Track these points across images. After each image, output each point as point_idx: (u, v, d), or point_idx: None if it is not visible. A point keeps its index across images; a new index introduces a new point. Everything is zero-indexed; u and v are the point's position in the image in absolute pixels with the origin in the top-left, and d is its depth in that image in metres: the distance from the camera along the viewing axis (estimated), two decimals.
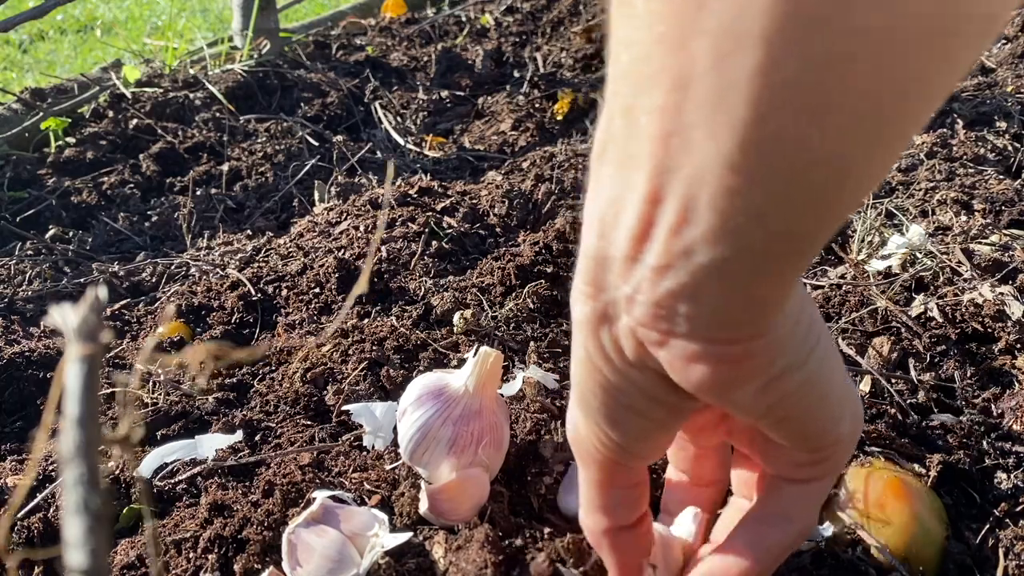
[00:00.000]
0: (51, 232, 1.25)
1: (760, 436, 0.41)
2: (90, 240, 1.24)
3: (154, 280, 1.10)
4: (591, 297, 0.34)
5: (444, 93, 1.74)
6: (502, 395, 0.69)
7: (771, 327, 0.33)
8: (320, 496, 0.57)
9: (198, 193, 1.35)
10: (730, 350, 0.33)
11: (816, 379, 0.36)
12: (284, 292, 0.97)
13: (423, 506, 0.57)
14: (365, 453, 0.66)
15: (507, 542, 0.53)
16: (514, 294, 0.87)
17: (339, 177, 1.34)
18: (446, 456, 0.57)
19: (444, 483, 0.56)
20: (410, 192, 1.14)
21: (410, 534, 0.55)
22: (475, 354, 0.59)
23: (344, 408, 0.70)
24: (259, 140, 1.49)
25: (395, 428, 0.68)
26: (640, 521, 0.44)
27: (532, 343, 0.79)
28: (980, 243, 0.91)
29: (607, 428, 0.39)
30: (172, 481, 0.67)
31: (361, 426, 0.68)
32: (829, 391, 0.37)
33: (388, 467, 0.63)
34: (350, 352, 0.81)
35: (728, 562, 0.43)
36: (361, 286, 0.30)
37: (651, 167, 0.29)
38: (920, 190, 1.06)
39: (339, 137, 1.50)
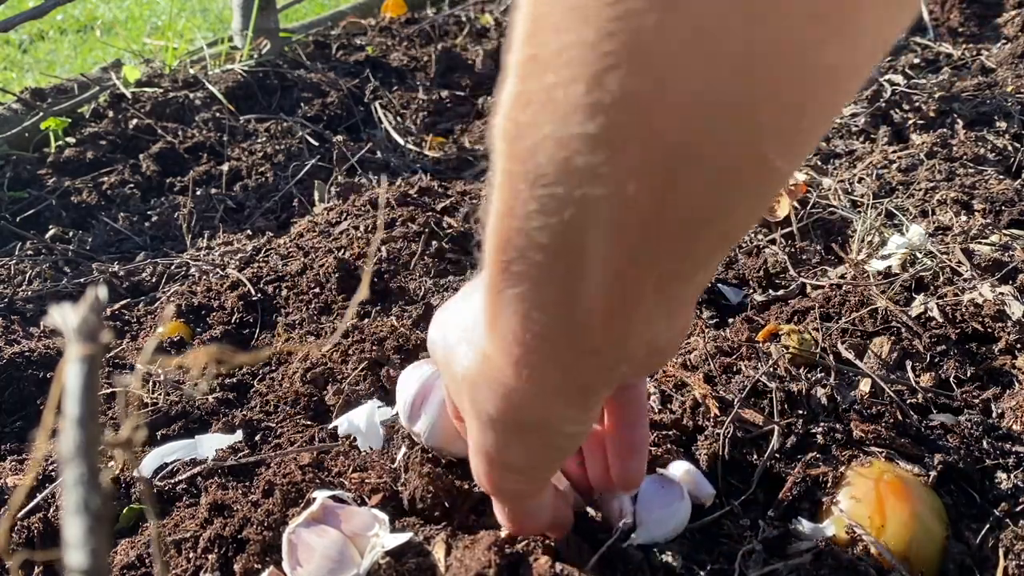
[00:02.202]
0: (51, 232, 1.25)
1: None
2: (90, 240, 1.24)
3: (154, 280, 1.10)
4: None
5: (444, 93, 1.74)
6: None
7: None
8: (320, 496, 0.57)
9: (198, 193, 1.35)
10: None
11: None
12: (284, 292, 0.97)
13: (424, 436, 0.59)
14: (365, 453, 0.66)
15: (510, 543, 0.53)
16: None
17: (339, 177, 1.34)
18: (442, 400, 0.59)
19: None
20: (410, 192, 1.14)
21: (410, 534, 0.55)
22: None
23: (331, 427, 0.70)
24: (259, 140, 1.49)
25: (386, 424, 0.69)
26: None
27: None
28: (980, 243, 0.91)
29: (554, 464, 0.45)
30: (172, 481, 0.67)
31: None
32: None
33: (390, 465, 0.63)
34: (350, 352, 0.81)
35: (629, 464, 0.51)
36: (362, 293, 0.31)
37: None
38: (920, 190, 1.06)
39: (339, 137, 1.50)
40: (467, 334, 0.41)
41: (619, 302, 0.33)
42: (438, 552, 0.54)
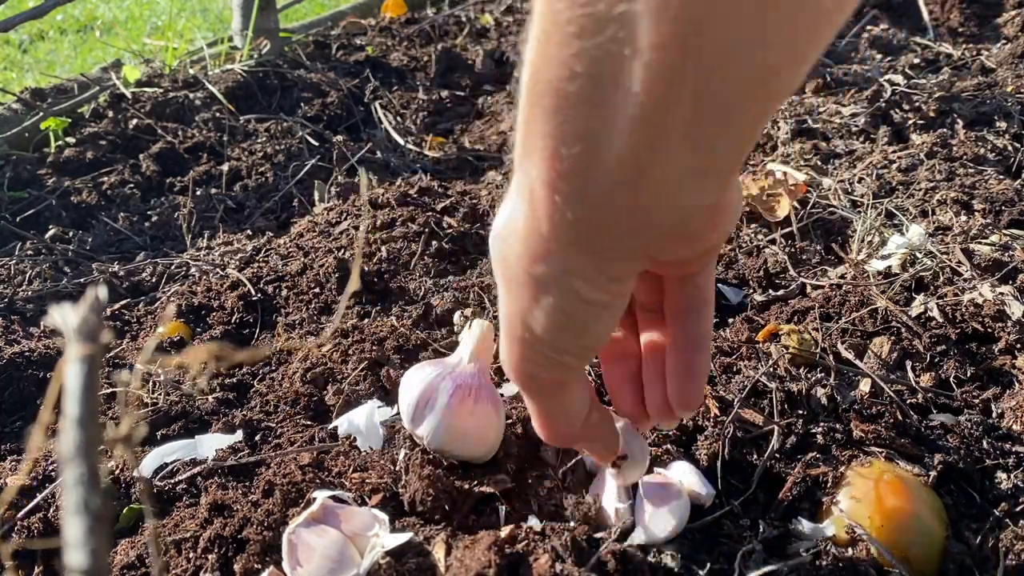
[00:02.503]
0: (51, 232, 1.25)
1: (676, 264, 0.44)
2: (90, 240, 1.24)
3: (154, 280, 1.10)
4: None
5: (444, 93, 1.74)
6: (502, 395, 0.69)
7: None
8: (320, 496, 0.57)
9: (198, 193, 1.35)
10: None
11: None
12: (284, 292, 0.97)
13: (427, 439, 0.60)
14: (365, 453, 0.66)
15: (510, 543, 0.53)
16: None
17: (339, 177, 1.34)
18: (447, 404, 0.59)
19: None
20: (410, 192, 1.14)
21: (410, 535, 0.55)
22: (469, 326, 0.63)
23: (332, 427, 0.70)
24: (259, 140, 1.49)
25: (386, 424, 0.69)
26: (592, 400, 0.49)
27: None
28: (980, 243, 0.91)
29: (577, 340, 0.41)
30: (172, 481, 0.67)
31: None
32: None
33: (391, 465, 0.63)
34: (350, 352, 0.81)
35: (695, 359, 0.47)
36: (353, 283, 0.30)
37: None
38: (920, 190, 1.06)
39: (339, 137, 1.50)
40: (510, 192, 0.39)
41: (646, 143, 0.31)
42: (438, 552, 0.54)
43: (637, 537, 0.55)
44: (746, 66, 0.30)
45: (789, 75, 0.31)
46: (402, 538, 0.54)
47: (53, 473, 0.69)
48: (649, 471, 0.60)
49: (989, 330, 0.78)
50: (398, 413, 0.65)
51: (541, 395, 0.45)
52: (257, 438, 0.72)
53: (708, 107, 0.30)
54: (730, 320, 0.84)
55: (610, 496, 0.57)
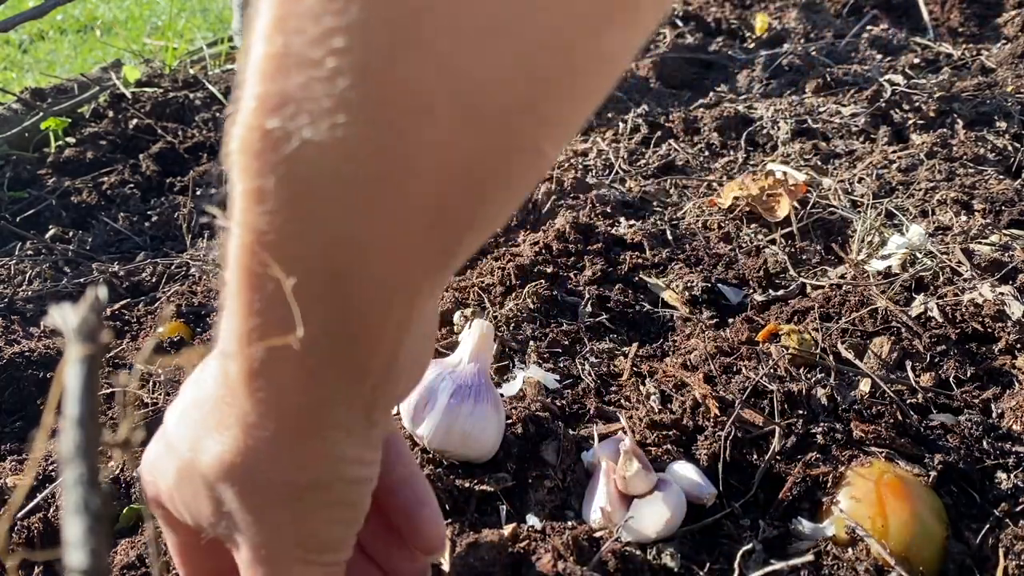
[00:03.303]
0: (51, 232, 1.25)
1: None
2: (90, 240, 1.24)
3: (154, 280, 1.10)
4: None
5: None
6: (502, 395, 0.69)
7: None
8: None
9: (198, 193, 1.35)
10: None
11: None
12: None
13: (428, 439, 0.60)
14: None
15: (512, 543, 0.53)
16: (514, 294, 0.87)
17: None
18: (447, 404, 0.59)
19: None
20: None
21: None
22: (469, 326, 0.64)
23: None
24: None
25: None
26: None
27: (532, 343, 0.79)
28: (980, 243, 0.91)
29: (352, 528, 0.38)
30: None
31: None
32: None
33: None
34: None
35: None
36: (299, 332, 0.30)
37: None
38: (920, 190, 1.06)
39: None
40: (206, 428, 0.34)
41: (402, 309, 0.30)
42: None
43: (629, 534, 0.55)
44: (479, 232, 0.31)
45: (509, 212, 0.33)
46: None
47: (53, 473, 0.69)
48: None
49: (989, 330, 0.78)
50: (398, 413, 0.65)
51: None
52: None
53: (444, 272, 0.32)
54: (730, 320, 0.84)
55: (602, 500, 0.57)
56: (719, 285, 0.90)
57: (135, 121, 1.53)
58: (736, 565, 0.54)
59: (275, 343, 0.28)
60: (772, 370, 0.71)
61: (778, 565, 0.54)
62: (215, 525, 0.36)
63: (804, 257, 0.96)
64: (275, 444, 0.33)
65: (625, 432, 0.65)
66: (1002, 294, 0.80)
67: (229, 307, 0.31)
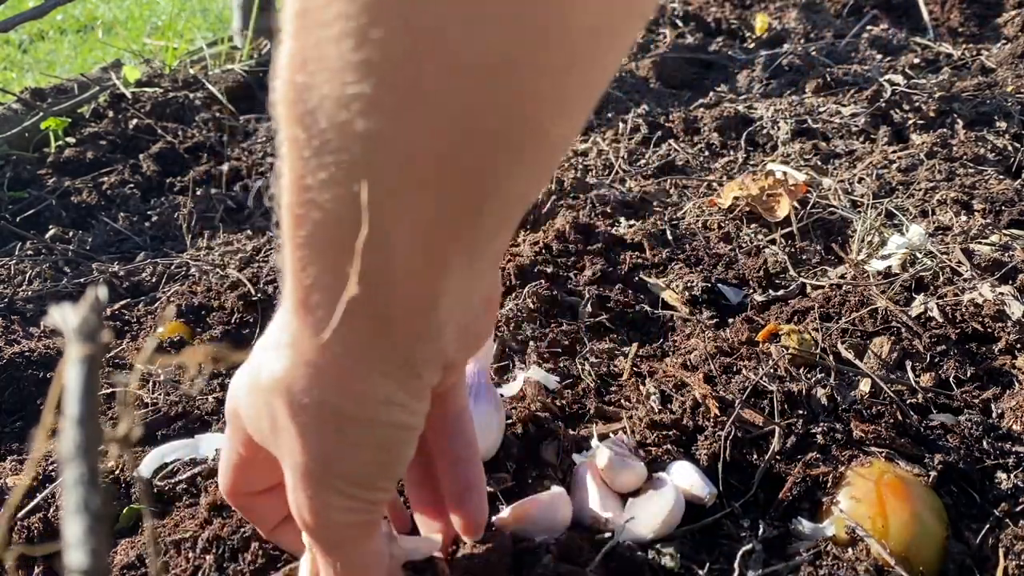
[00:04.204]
0: (51, 232, 1.25)
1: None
2: (90, 240, 1.24)
3: (154, 280, 1.10)
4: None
5: None
6: (502, 395, 0.69)
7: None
8: None
9: (198, 193, 1.35)
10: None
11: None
12: None
13: None
14: None
15: (515, 544, 0.53)
16: (514, 294, 0.87)
17: None
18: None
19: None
20: None
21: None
22: None
23: None
24: (259, 140, 1.49)
25: None
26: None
27: (532, 343, 0.79)
28: (980, 243, 0.91)
29: (390, 471, 0.39)
30: (172, 481, 0.67)
31: None
32: None
33: None
34: None
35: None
36: (351, 288, 0.30)
37: None
38: (920, 190, 1.06)
39: None
40: (269, 347, 0.38)
41: (425, 267, 0.32)
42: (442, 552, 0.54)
43: (626, 534, 0.55)
44: (498, 202, 0.31)
45: (534, 193, 0.34)
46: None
47: (53, 473, 0.69)
48: (648, 477, 0.60)
49: (989, 330, 0.78)
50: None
51: (352, 544, 0.41)
52: None
53: (472, 238, 0.32)
54: (730, 320, 0.84)
55: (595, 503, 0.57)
56: (719, 285, 0.90)
57: (135, 121, 1.53)
58: (736, 565, 0.54)
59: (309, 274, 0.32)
60: (772, 370, 0.71)
61: (778, 565, 0.54)
62: (271, 442, 0.39)
63: (804, 257, 0.96)
64: (320, 369, 0.35)
65: (625, 432, 0.65)
66: (1002, 294, 0.80)
67: (283, 239, 0.33)
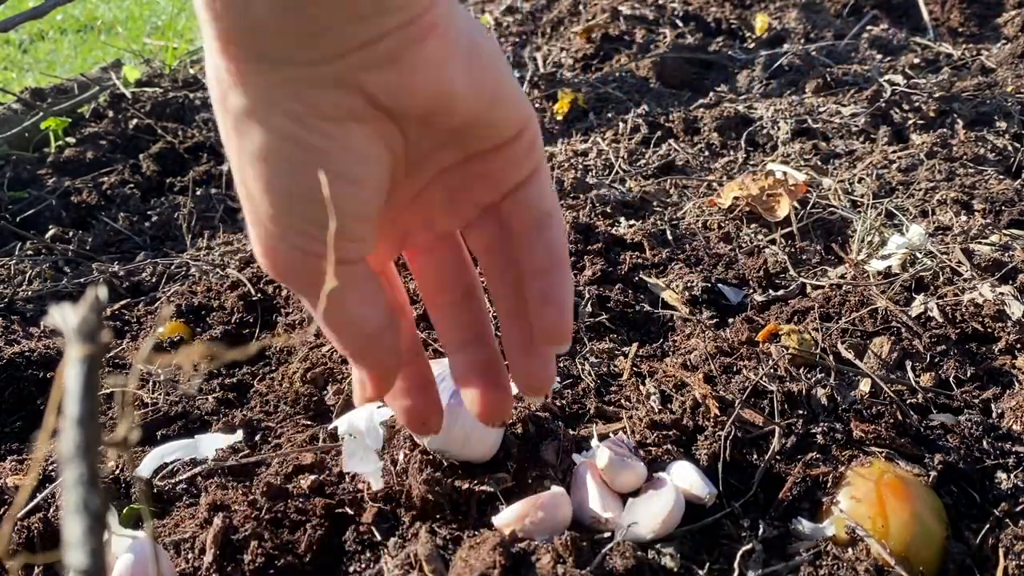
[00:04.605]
0: (51, 232, 1.25)
1: (477, 162, 0.40)
2: (90, 240, 1.24)
3: (154, 280, 1.10)
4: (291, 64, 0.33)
5: None
6: None
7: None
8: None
9: (198, 193, 1.35)
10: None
11: (497, 48, 0.38)
12: (284, 292, 0.97)
13: (427, 440, 0.60)
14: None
15: (515, 544, 0.53)
16: None
17: None
18: (447, 404, 0.59)
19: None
20: None
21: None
22: None
23: (332, 427, 0.70)
24: None
25: (386, 423, 0.69)
26: (395, 321, 0.41)
27: None
28: (980, 243, 0.91)
29: (311, 217, 0.35)
30: (172, 481, 0.67)
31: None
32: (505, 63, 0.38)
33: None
34: None
35: (557, 277, 0.42)
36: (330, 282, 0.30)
37: None
38: (920, 190, 1.06)
39: None
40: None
41: None
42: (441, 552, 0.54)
43: (626, 534, 0.55)
44: None
45: None
46: None
47: (53, 473, 0.69)
48: (648, 477, 0.60)
49: (989, 330, 0.78)
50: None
51: (307, 291, 0.39)
52: (257, 438, 0.72)
53: None
54: (730, 320, 0.84)
55: (595, 503, 0.57)
56: (719, 285, 0.90)
57: (135, 121, 1.53)
58: (736, 565, 0.54)
59: None
60: (772, 370, 0.71)
61: (778, 565, 0.54)
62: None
63: (804, 257, 0.96)
64: (218, 68, 0.34)
65: (625, 432, 0.65)
66: (1002, 294, 0.80)
67: None
